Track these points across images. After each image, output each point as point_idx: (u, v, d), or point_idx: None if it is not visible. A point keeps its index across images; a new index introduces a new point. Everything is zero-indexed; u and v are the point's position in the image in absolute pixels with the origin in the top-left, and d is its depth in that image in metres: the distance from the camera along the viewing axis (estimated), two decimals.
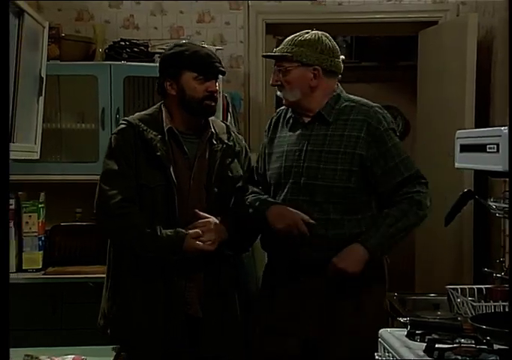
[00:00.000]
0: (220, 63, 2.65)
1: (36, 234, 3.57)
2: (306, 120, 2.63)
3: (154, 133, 2.56)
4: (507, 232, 3.23)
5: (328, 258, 2.48)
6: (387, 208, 2.55)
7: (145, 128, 2.56)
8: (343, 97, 2.64)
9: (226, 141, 2.67)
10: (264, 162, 2.73)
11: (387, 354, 2.19)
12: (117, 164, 2.54)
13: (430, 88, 4.20)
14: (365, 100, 2.65)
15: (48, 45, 3.16)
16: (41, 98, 3.00)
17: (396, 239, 2.53)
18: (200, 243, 2.51)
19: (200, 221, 2.54)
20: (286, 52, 2.59)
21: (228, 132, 2.72)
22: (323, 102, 2.60)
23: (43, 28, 2.99)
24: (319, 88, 2.60)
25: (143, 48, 3.87)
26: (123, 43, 3.86)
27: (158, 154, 2.52)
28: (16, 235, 3.53)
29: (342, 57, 2.69)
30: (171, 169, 2.52)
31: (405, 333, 2.19)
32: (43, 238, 3.63)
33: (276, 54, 2.62)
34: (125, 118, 2.70)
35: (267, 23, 4.21)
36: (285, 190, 2.60)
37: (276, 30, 4.41)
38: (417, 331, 2.15)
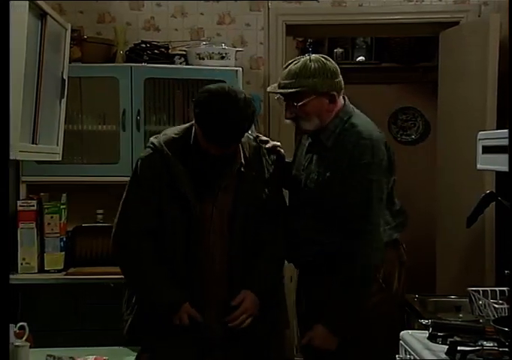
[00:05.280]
0: (242, 130, 2.44)
1: (58, 235, 3.59)
2: (311, 138, 2.66)
3: (180, 167, 2.46)
4: None
5: (321, 257, 2.54)
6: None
7: (172, 159, 2.47)
8: (346, 119, 2.56)
9: (257, 168, 2.57)
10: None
11: (408, 356, 2.19)
12: (140, 193, 2.50)
13: (451, 89, 4.17)
14: (362, 128, 2.53)
15: (70, 47, 3.18)
16: (63, 100, 3.02)
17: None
18: (187, 320, 2.45)
19: (239, 311, 2.49)
20: (299, 86, 2.50)
21: (258, 153, 2.60)
22: (325, 123, 2.57)
23: (66, 30, 3.01)
24: (333, 110, 2.57)
25: (163, 50, 3.89)
26: (144, 45, 3.87)
27: (182, 191, 2.46)
28: (38, 236, 3.55)
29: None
30: (194, 201, 2.46)
31: (427, 335, 2.19)
32: (64, 239, 3.65)
33: (291, 91, 2.51)
34: (153, 140, 2.55)
35: (287, 24, 4.19)
36: (289, 197, 2.72)
37: (296, 31, 4.42)
38: (439, 334, 2.14)
